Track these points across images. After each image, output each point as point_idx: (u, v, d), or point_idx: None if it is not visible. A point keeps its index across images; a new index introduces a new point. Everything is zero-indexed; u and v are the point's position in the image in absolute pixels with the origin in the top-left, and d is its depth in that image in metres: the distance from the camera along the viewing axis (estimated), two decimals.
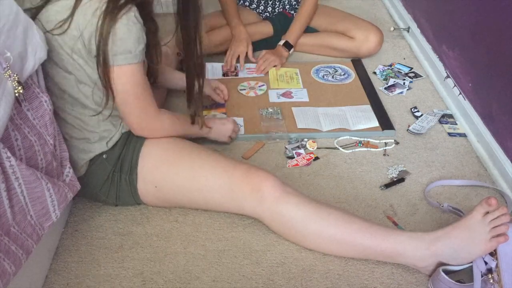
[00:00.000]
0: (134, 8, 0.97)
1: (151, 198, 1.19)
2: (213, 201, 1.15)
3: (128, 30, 0.96)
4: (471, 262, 1.02)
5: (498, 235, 0.99)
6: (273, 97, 1.66)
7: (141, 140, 1.16)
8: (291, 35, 1.85)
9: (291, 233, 1.11)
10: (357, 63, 1.87)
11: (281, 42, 1.85)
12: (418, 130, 1.52)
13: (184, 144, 1.19)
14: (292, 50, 1.86)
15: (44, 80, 1.01)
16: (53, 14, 0.99)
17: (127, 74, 1.01)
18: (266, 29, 1.91)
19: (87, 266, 1.10)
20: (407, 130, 1.53)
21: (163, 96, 1.56)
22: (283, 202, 1.09)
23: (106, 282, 1.06)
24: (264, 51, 1.84)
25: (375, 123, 1.53)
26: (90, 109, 1.08)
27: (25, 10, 0.92)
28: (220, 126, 1.36)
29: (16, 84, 0.82)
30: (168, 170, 1.14)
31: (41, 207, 0.90)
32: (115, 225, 1.19)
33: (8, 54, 0.83)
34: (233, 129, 1.39)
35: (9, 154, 0.80)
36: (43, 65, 0.98)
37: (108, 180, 1.15)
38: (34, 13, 1.00)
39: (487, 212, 1.01)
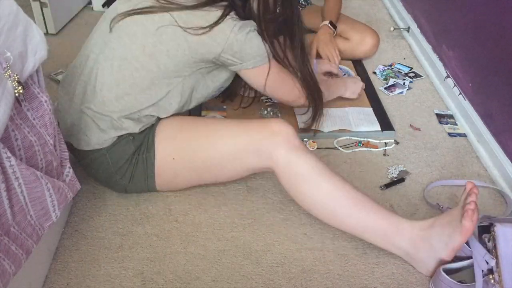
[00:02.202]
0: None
1: (166, 174, 1.20)
2: (229, 154, 1.15)
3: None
4: (468, 258, 1.02)
5: (465, 211, 1.00)
6: None
7: (157, 121, 1.20)
8: (332, 15, 1.82)
9: (302, 187, 1.11)
10: (358, 63, 1.87)
11: (326, 22, 1.81)
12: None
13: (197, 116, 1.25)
14: (336, 30, 1.83)
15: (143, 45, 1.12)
16: (193, 19, 1.11)
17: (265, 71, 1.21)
18: None
19: (87, 266, 1.10)
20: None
21: None
22: (299, 153, 1.10)
23: (106, 282, 1.06)
24: (311, 44, 1.77)
25: (377, 127, 1.52)
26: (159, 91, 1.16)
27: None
28: (352, 84, 1.61)
29: (16, 84, 0.82)
30: (185, 135, 1.17)
31: (41, 207, 0.90)
32: (115, 225, 1.20)
33: (8, 54, 0.83)
34: (362, 86, 1.62)
35: (9, 154, 0.80)
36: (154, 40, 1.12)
37: (128, 161, 1.17)
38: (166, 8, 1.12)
39: None
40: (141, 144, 1.17)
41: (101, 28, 1.20)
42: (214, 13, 1.11)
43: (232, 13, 1.13)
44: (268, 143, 1.11)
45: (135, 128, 1.16)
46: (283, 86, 1.28)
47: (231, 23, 1.11)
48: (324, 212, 1.11)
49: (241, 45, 1.13)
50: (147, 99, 1.15)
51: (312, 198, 1.10)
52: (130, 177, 1.19)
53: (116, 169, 1.18)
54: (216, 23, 1.10)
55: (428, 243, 1.04)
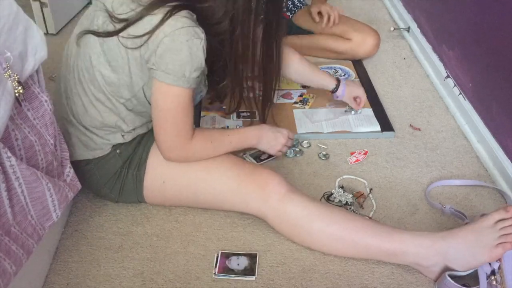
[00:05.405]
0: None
1: (156, 194, 1.19)
2: (218, 197, 1.15)
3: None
4: (476, 268, 1.01)
5: (505, 242, 0.98)
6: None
7: (152, 138, 1.17)
8: None
9: (295, 231, 1.11)
10: (358, 64, 1.87)
11: None
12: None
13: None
14: None
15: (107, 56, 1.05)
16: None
17: (171, 93, 1.04)
18: None
19: (87, 266, 1.10)
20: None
21: None
22: (288, 200, 1.09)
23: (106, 282, 1.06)
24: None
25: (377, 128, 1.53)
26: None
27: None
28: (271, 137, 1.31)
29: (16, 84, 0.82)
30: (177, 164, 1.15)
31: (41, 207, 0.90)
32: (115, 225, 1.20)
33: (8, 54, 0.83)
34: (285, 143, 1.33)
35: (9, 154, 0.80)
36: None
37: (115, 175, 1.16)
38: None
39: (501, 220, 1.01)
40: (131, 159, 1.16)
41: (72, 40, 1.14)
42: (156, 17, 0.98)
43: (184, 12, 0.99)
44: (257, 198, 1.11)
45: (119, 138, 1.14)
46: (172, 125, 1.08)
47: (176, 23, 0.97)
48: (323, 248, 1.11)
49: (165, 50, 0.98)
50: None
51: (307, 239, 1.11)
52: (119, 190, 1.18)
53: (105, 182, 1.17)
54: (155, 27, 0.98)
55: (439, 255, 1.02)
